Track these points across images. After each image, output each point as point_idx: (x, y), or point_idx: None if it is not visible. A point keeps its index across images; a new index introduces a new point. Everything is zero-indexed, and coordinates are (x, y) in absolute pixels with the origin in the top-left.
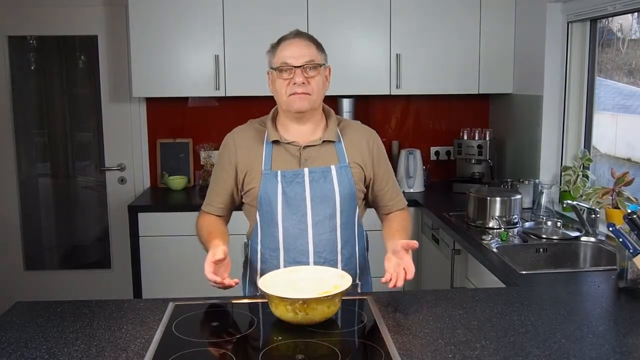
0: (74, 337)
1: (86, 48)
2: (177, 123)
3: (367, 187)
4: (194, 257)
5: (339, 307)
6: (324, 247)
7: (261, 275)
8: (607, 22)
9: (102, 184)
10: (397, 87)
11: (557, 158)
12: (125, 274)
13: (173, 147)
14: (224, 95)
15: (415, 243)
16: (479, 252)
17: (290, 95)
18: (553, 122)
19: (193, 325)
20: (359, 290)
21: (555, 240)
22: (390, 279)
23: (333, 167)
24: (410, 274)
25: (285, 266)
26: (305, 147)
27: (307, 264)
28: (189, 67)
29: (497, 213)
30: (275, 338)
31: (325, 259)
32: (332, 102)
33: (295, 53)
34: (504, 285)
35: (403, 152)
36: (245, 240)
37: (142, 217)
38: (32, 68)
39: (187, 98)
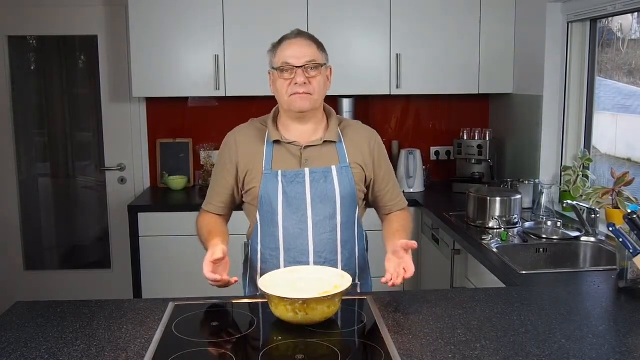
0: (74, 337)
1: (86, 48)
2: (177, 123)
3: (367, 187)
4: (194, 257)
5: (339, 307)
6: (324, 247)
7: (261, 275)
8: (607, 22)
9: (102, 184)
10: (397, 87)
11: (557, 158)
12: (125, 274)
13: (173, 147)
14: (224, 95)
15: (414, 243)
16: (479, 252)
17: (291, 95)
18: (553, 122)
19: (193, 325)
20: (359, 290)
21: (555, 240)
22: (391, 279)
23: (334, 168)
24: (410, 273)
25: (285, 266)
26: (306, 147)
27: (307, 263)
28: (189, 67)
29: (497, 213)
30: (275, 338)
31: (326, 259)
32: (332, 102)
33: (297, 53)
34: (504, 285)
35: (403, 152)
36: (246, 240)
37: (142, 217)
38: (32, 68)
39: (187, 98)
